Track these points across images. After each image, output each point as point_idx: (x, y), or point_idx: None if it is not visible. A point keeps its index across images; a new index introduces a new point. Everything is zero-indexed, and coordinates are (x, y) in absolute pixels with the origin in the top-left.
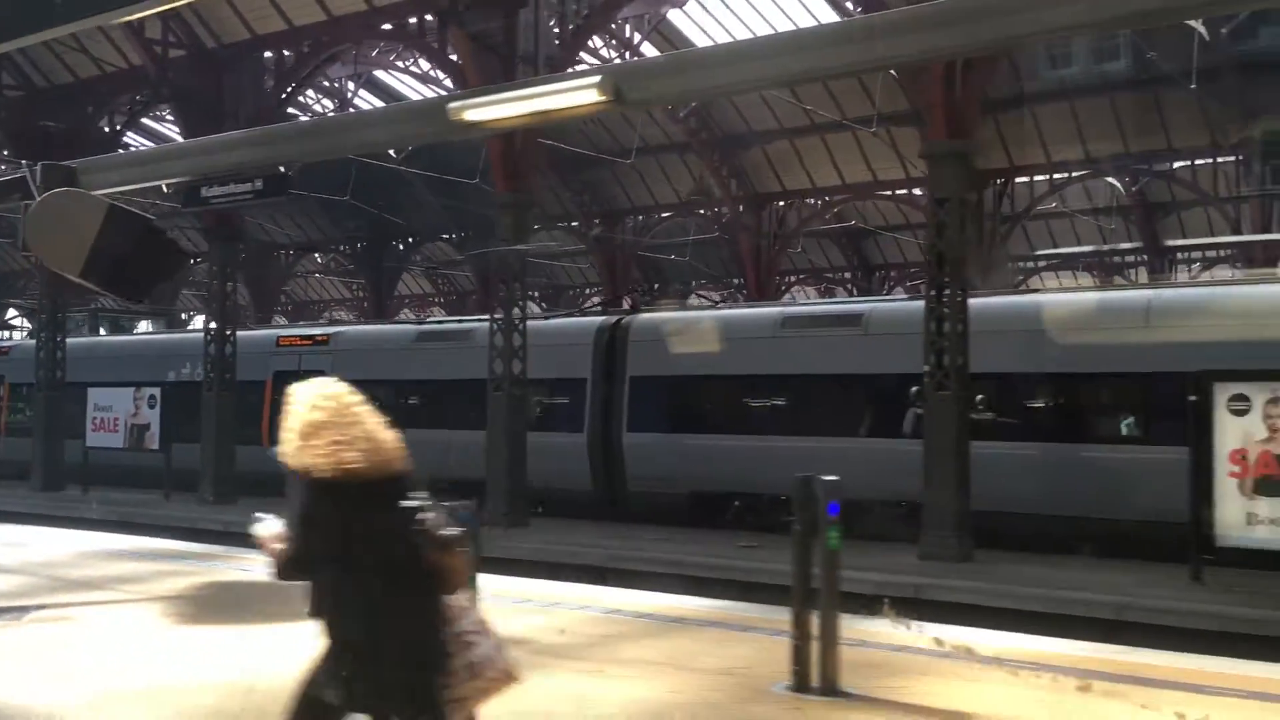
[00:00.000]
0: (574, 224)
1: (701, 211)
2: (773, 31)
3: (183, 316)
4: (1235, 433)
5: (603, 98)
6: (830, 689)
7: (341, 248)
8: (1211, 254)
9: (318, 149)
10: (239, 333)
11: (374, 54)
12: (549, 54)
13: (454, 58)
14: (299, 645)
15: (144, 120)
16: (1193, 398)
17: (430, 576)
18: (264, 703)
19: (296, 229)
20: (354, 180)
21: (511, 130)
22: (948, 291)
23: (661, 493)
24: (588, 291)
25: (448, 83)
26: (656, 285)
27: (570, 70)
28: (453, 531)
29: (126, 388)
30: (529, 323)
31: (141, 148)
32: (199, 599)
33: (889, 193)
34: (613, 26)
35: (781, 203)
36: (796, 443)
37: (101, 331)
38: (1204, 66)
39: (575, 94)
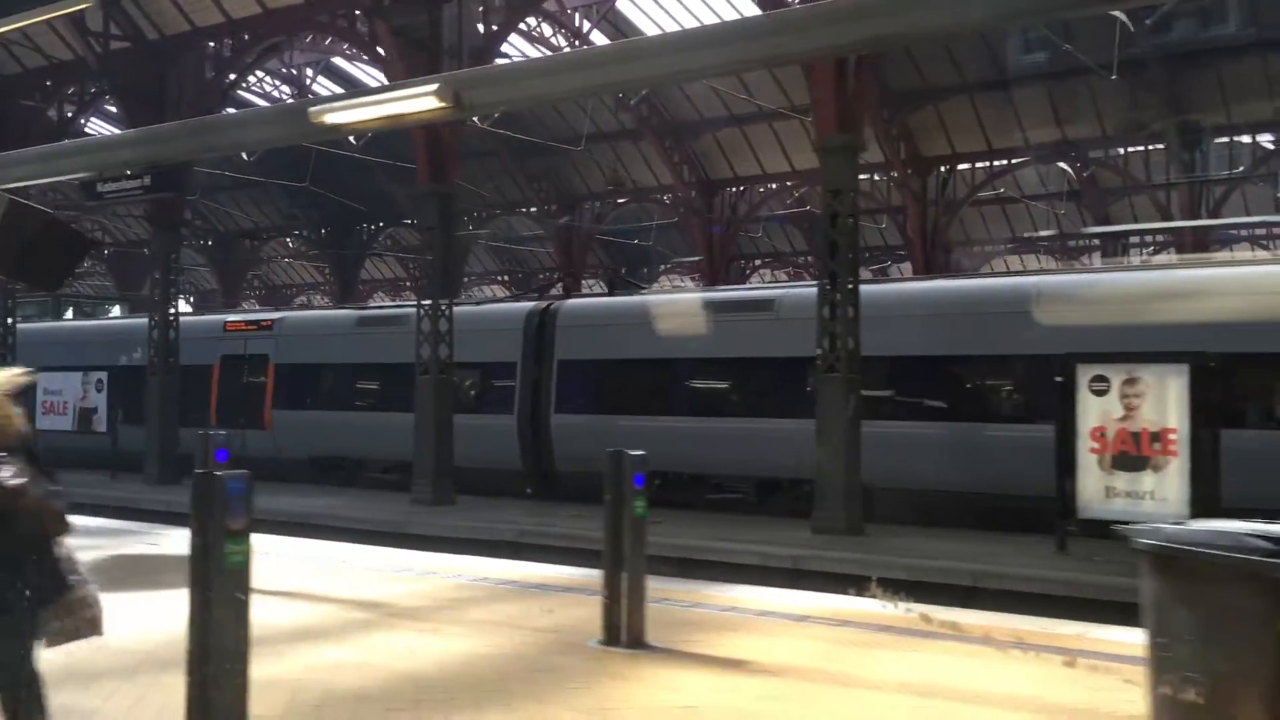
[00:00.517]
0: (532, 209)
1: (665, 198)
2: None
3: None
4: (1096, 411)
5: (442, 104)
6: (636, 643)
7: (305, 233)
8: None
9: (196, 148)
10: (190, 318)
11: (328, 42)
12: (474, 46)
13: (381, 51)
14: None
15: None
16: (1058, 379)
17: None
18: None
19: (262, 215)
20: (314, 167)
21: (433, 122)
22: (840, 279)
23: (587, 472)
24: (555, 276)
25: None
26: (624, 269)
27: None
28: (15, 482)
29: (75, 372)
30: (464, 308)
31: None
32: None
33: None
34: (568, 12)
35: (734, 189)
36: (713, 424)
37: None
38: (1128, 57)
39: (418, 100)
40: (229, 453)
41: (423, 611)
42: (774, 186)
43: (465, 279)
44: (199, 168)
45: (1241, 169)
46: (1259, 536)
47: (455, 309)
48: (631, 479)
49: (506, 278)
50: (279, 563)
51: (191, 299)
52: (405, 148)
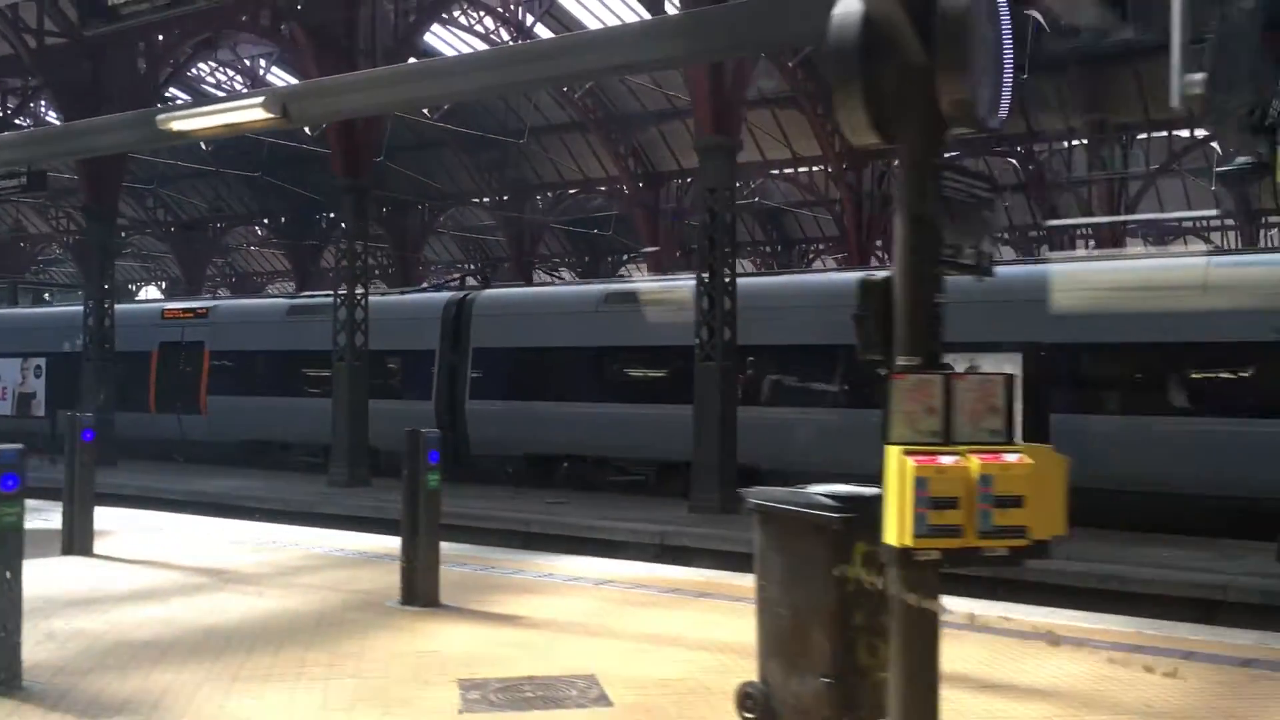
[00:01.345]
0: (485, 200)
1: (608, 188)
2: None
3: (130, 288)
4: None
5: (270, 115)
6: (430, 602)
7: (267, 221)
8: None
9: (50, 152)
10: (130, 306)
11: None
12: (386, 46)
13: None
14: None
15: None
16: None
17: None
18: None
19: (222, 203)
20: (268, 157)
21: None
22: (717, 272)
23: (500, 455)
24: (477, 267)
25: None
26: (587, 258)
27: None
28: None
29: (14, 359)
30: (388, 298)
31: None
32: None
33: (776, 171)
34: (511, 9)
35: (679, 180)
36: (618, 409)
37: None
38: (1047, 57)
39: (248, 111)
40: (94, 433)
41: (258, 577)
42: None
43: (432, 268)
44: (156, 157)
45: (1155, 166)
46: (829, 496)
47: (381, 298)
48: (426, 456)
49: (472, 266)
50: (156, 537)
51: (163, 285)
52: None
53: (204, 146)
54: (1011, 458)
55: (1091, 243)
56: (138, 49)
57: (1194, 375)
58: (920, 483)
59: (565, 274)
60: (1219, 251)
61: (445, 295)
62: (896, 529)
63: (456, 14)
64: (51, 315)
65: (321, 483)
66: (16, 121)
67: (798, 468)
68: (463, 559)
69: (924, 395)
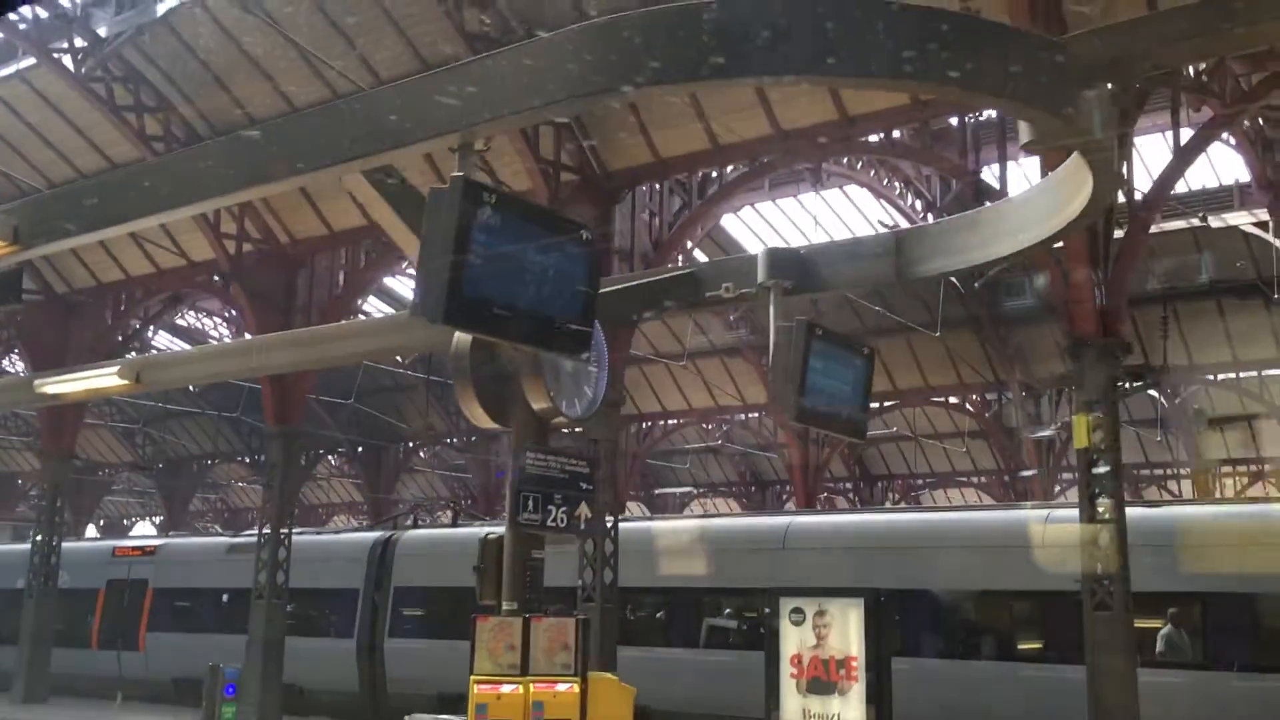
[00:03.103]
0: (453, 440)
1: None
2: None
3: (125, 523)
4: (794, 640)
5: (124, 381)
6: None
7: (245, 459)
8: None
9: None
10: (86, 544)
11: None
12: (321, 305)
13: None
14: None
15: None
16: (766, 610)
17: None
18: None
19: (208, 440)
20: (245, 400)
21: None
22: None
23: (415, 694)
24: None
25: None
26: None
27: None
28: None
29: None
30: (320, 537)
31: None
32: None
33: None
34: None
35: (644, 424)
36: None
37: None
38: (962, 316)
39: (105, 379)
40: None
41: None
42: (678, 421)
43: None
44: (143, 400)
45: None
46: None
47: (314, 537)
48: (223, 688)
49: (458, 505)
50: None
51: (158, 520)
52: (331, 383)
53: (191, 389)
54: (563, 687)
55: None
56: (105, 304)
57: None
58: (480, 708)
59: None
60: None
61: (373, 535)
62: None
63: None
64: (5, 553)
65: None
66: None
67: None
68: None
69: (505, 635)
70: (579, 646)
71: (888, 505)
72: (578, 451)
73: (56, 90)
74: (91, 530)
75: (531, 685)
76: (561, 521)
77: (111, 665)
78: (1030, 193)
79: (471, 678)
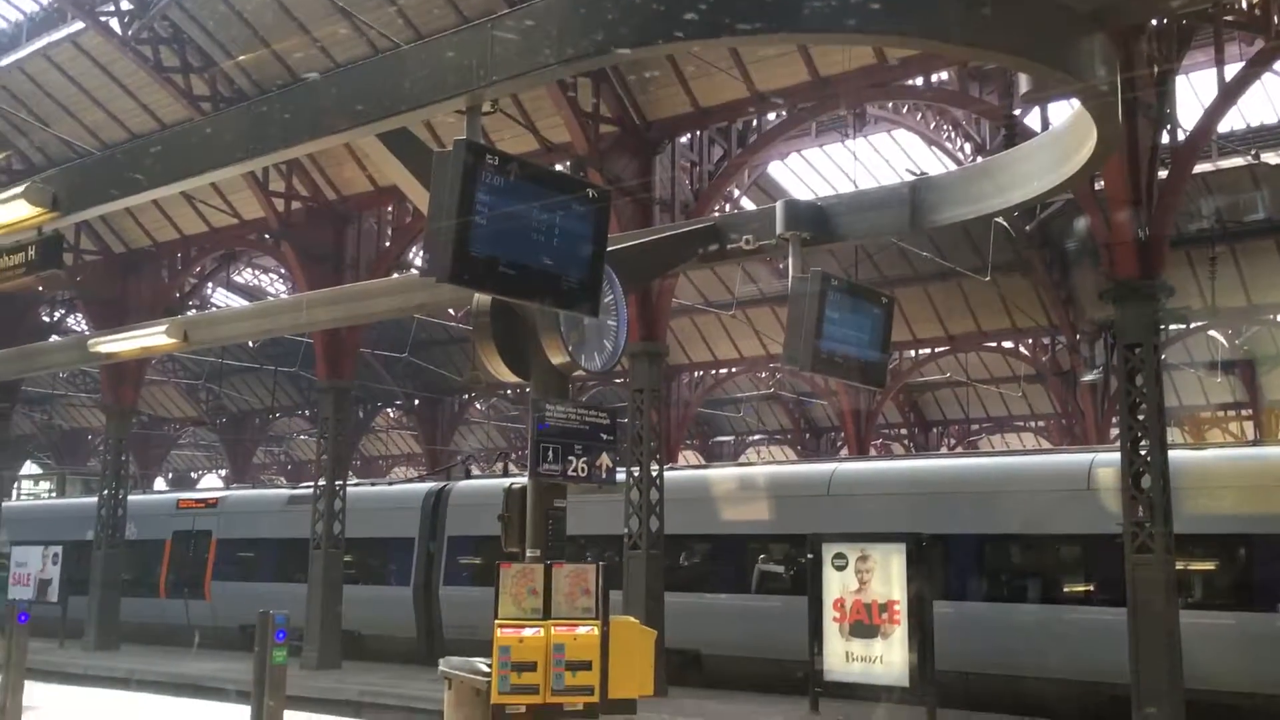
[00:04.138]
0: (507, 391)
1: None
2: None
3: (193, 476)
4: (836, 584)
5: (173, 340)
6: None
7: (304, 413)
8: None
9: (4, 372)
10: (151, 496)
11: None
12: (369, 260)
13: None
14: None
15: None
16: (809, 555)
17: None
18: None
19: (269, 395)
20: (302, 355)
21: (332, 328)
22: (644, 466)
23: (469, 639)
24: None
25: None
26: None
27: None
28: None
29: (39, 546)
30: (375, 488)
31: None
32: None
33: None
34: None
35: (699, 373)
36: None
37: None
38: (1013, 259)
39: (155, 337)
40: (28, 616)
41: None
42: (730, 370)
43: (468, 458)
44: (205, 357)
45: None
46: (488, 664)
47: (370, 489)
48: (273, 634)
49: (514, 455)
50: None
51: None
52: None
53: (250, 345)
54: (583, 630)
55: None
56: (161, 264)
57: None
58: (504, 650)
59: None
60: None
61: (426, 486)
62: (495, 689)
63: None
64: (70, 505)
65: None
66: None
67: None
68: None
69: (528, 580)
70: (599, 591)
71: (943, 451)
72: (598, 403)
73: (105, 53)
74: (160, 483)
75: (553, 628)
76: (582, 472)
77: (179, 613)
78: (1042, 139)
79: (495, 621)
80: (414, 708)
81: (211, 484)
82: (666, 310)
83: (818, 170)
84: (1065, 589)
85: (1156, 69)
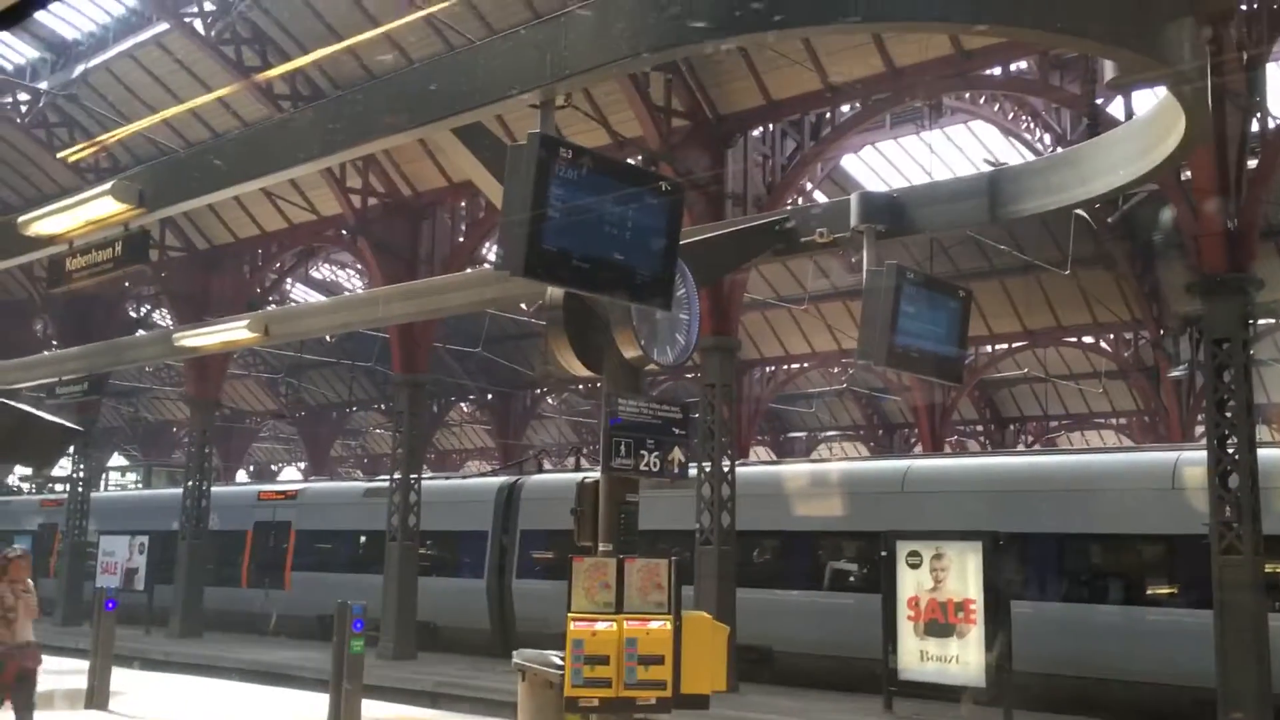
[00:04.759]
0: (580, 386)
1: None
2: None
3: (273, 468)
4: (911, 583)
5: (254, 334)
6: None
7: (381, 406)
8: None
9: (92, 365)
10: (233, 488)
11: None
12: (443, 255)
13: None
14: None
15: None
16: (883, 553)
17: None
18: None
19: (345, 389)
20: (379, 350)
21: (408, 322)
22: (716, 461)
23: (541, 632)
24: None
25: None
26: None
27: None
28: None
29: (126, 536)
30: (450, 482)
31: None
32: None
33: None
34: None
35: (770, 368)
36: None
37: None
38: (1094, 252)
39: (237, 331)
40: (115, 603)
41: None
42: (802, 365)
43: (540, 452)
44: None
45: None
46: (560, 657)
47: (444, 483)
48: (351, 624)
49: (586, 450)
50: (168, 698)
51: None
52: (466, 331)
53: (328, 339)
54: (655, 624)
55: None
56: (242, 260)
57: None
58: (577, 644)
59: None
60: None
61: (499, 480)
62: (568, 682)
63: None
64: (156, 496)
65: (372, 655)
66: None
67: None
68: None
69: (600, 574)
70: (672, 586)
71: (1020, 448)
72: (672, 398)
73: (189, 53)
74: (242, 475)
75: (625, 622)
76: (654, 466)
77: (261, 603)
78: (1127, 128)
79: (568, 615)
80: (488, 699)
81: (291, 476)
82: (738, 304)
83: (892, 163)
84: (1148, 590)
85: (1246, 55)
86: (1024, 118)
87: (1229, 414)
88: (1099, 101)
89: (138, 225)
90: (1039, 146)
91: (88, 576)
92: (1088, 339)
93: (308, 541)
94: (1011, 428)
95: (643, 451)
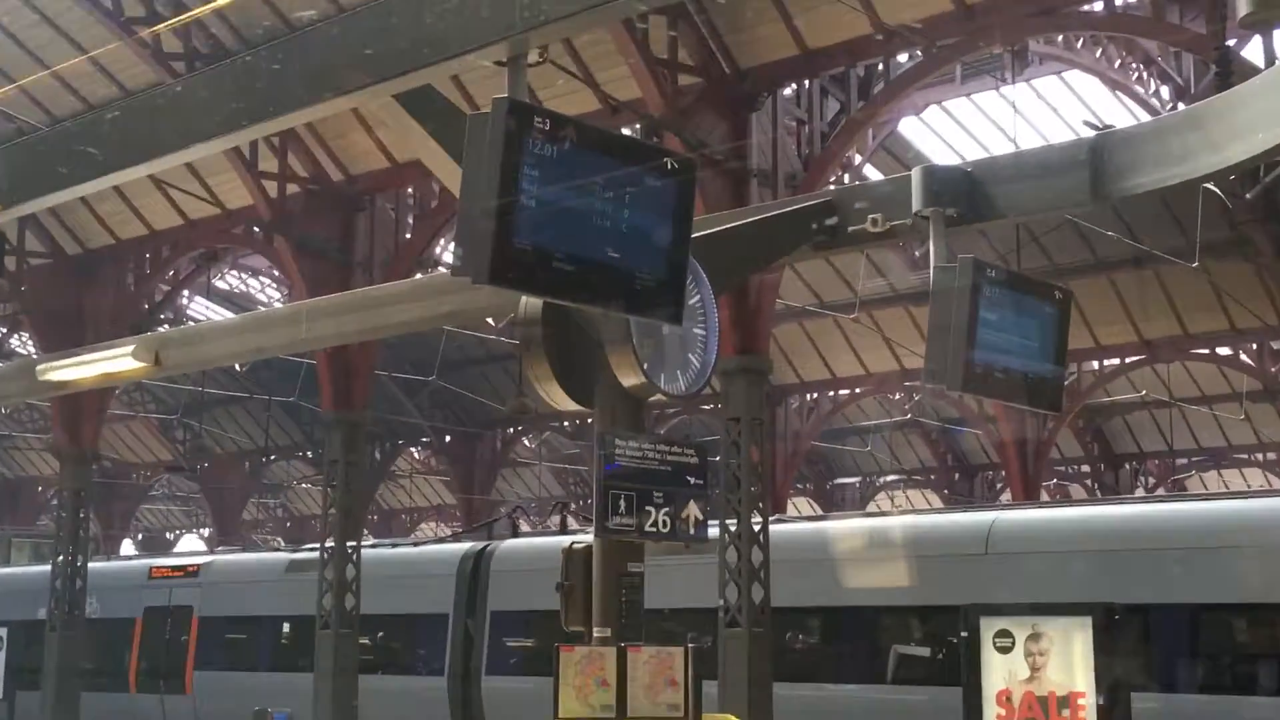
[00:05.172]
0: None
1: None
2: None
3: (169, 536)
4: (1000, 671)
5: (142, 363)
6: None
7: (307, 453)
8: None
9: None
10: (114, 564)
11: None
12: (386, 257)
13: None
14: None
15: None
16: (963, 633)
17: None
18: None
19: (261, 432)
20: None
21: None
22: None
23: None
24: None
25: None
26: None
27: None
28: None
29: None
30: (395, 550)
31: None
32: None
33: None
34: None
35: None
36: None
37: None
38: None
39: (119, 361)
40: None
41: None
42: (853, 391)
43: (515, 509)
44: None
45: None
46: None
47: (391, 551)
48: None
49: (573, 505)
50: None
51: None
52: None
53: (237, 368)
54: None
55: None
56: (126, 268)
57: None
58: None
59: None
60: None
61: (463, 547)
62: None
63: None
64: (16, 576)
65: None
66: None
67: None
68: None
69: (596, 668)
70: (689, 681)
71: (1140, 494)
72: (685, 437)
73: (52, 2)
74: (128, 546)
75: None
76: (663, 526)
77: (154, 711)
78: (1268, 77)
79: None
80: None
81: (192, 546)
82: (769, 314)
83: (965, 127)
84: None
85: None
86: (1134, 66)
87: None
88: (1231, 43)
89: None
90: (1154, 103)
91: None
92: (1223, 350)
93: (215, 631)
94: (1127, 467)
95: (648, 507)
